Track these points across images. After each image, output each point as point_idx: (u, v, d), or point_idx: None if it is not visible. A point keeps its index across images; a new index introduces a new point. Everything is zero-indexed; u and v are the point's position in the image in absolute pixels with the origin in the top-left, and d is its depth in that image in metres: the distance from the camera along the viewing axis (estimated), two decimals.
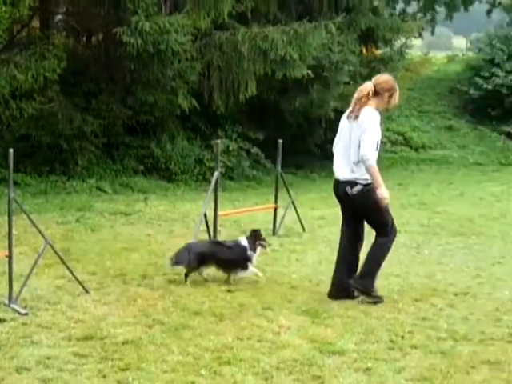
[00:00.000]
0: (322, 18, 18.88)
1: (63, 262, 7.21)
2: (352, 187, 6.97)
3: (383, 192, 6.86)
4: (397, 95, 7.22)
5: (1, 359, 5.29)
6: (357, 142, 6.87)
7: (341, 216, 7.41)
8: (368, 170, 6.79)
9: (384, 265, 8.58)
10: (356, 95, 7.09)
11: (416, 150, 24.88)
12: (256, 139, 18.95)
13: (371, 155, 6.78)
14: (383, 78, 7.30)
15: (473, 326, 6.40)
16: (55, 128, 15.21)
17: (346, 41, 19.43)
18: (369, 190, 6.92)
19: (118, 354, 5.45)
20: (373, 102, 7.02)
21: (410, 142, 25.23)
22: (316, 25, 17.45)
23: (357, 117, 6.95)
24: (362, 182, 6.93)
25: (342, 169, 7.06)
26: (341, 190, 7.07)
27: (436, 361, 5.50)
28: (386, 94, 7.10)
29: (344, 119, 7.24)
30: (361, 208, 7.10)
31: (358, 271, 7.21)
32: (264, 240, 7.98)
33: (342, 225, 7.44)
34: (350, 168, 6.96)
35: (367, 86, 7.05)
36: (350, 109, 7.12)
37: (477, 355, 5.64)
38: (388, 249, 7.32)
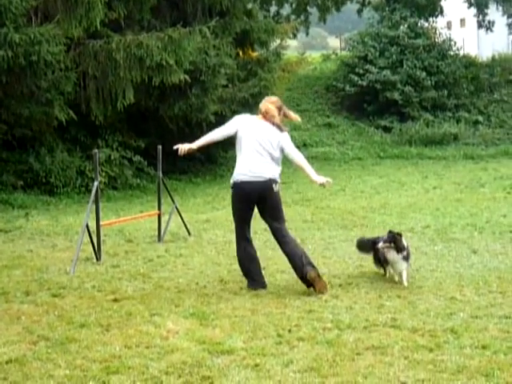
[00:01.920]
0: (196, 22, 18.99)
1: None
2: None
3: None
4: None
5: None
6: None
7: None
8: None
9: (269, 262, 8.76)
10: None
11: (298, 148, 25.15)
12: (138, 147, 18.82)
13: None
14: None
15: (357, 315, 6.56)
16: None
17: (221, 44, 19.61)
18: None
19: (2, 374, 5.29)
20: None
21: (292, 141, 25.56)
22: (190, 30, 17.51)
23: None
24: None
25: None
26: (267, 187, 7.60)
27: (322, 351, 5.60)
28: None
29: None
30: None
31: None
32: None
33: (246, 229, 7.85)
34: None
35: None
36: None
37: (361, 342, 5.78)
38: None
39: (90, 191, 16.20)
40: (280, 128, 7.78)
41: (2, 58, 14.03)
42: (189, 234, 10.87)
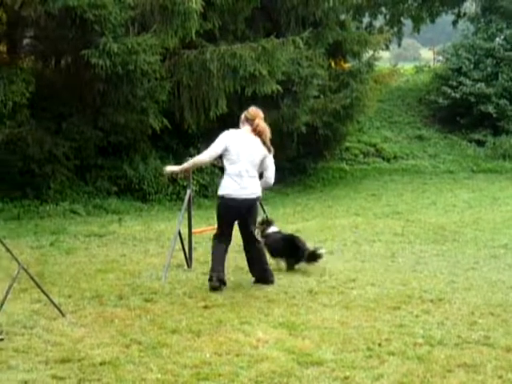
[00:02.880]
0: (289, 33, 19.06)
1: (38, 286, 7.17)
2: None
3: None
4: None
5: None
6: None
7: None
8: None
9: (359, 275, 8.70)
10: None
11: (388, 160, 25.06)
12: None
13: None
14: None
15: (448, 331, 6.46)
16: (26, 152, 15.16)
17: (314, 55, 19.62)
18: None
19: (96, 375, 5.42)
20: None
21: (382, 153, 25.42)
22: (284, 40, 17.61)
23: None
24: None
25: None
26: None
27: (413, 366, 5.53)
28: None
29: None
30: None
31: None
32: None
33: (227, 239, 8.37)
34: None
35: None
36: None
37: (453, 359, 5.69)
38: None
39: (181, 199, 16.50)
40: (269, 149, 8.12)
41: (101, 67, 14.42)
42: None
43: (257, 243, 8.40)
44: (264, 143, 8.02)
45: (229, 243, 8.35)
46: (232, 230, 8.34)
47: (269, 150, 8.09)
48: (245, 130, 8.21)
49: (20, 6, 14.39)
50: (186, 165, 8.55)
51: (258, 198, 8.17)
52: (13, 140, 14.97)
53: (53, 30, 15.89)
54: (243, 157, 8.04)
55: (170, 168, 8.74)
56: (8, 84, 14.31)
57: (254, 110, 8.24)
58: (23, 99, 14.50)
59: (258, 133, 8.05)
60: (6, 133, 14.63)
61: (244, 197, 8.01)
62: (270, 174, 8.22)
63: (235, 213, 8.14)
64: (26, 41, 17.56)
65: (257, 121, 8.10)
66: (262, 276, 8.29)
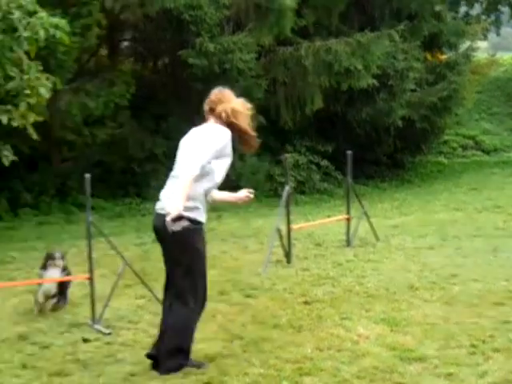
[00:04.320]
0: (384, 26, 18.89)
1: (143, 282, 7.38)
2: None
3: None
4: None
5: (88, 377, 5.44)
6: None
7: None
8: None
9: (460, 270, 8.57)
10: None
11: (488, 153, 24.52)
12: (325, 152, 18.99)
13: None
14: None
15: None
16: (127, 152, 15.58)
17: (409, 48, 19.39)
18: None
19: (200, 370, 5.54)
20: None
21: (482, 146, 24.89)
22: (379, 34, 17.49)
23: None
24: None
25: None
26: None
27: None
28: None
29: None
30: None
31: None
32: None
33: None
34: None
35: None
36: None
37: None
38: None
39: (278, 195, 16.60)
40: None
41: (198, 67, 14.68)
42: (377, 239, 10.83)
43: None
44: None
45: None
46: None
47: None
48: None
49: (119, 10, 14.78)
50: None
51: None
52: (114, 140, 15.41)
53: (151, 31, 16.30)
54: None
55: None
56: (109, 86, 14.74)
57: (216, 93, 5.80)
58: (124, 100, 14.90)
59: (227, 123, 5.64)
60: (109, 133, 15.07)
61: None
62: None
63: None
64: (125, 43, 18.05)
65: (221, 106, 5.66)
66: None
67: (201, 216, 5.56)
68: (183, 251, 5.42)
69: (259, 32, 15.78)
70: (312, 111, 17.20)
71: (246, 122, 5.66)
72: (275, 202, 16.04)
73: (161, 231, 5.32)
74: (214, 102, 5.73)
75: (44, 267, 7.29)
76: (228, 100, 5.69)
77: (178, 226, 4.99)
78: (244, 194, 6.04)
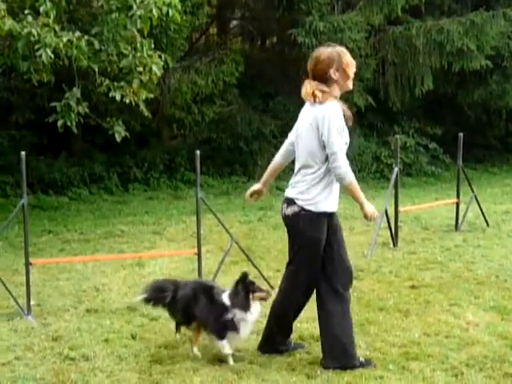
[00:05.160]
0: (499, 5, 18.26)
1: (249, 259, 7.43)
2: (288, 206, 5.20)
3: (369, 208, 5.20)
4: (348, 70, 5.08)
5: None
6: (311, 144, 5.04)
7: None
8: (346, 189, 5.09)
9: None
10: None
11: None
12: (434, 134, 18.62)
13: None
14: (314, 60, 5.03)
15: None
16: (235, 130, 15.72)
17: None
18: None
19: (305, 349, 5.54)
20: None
21: None
22: (494, 13, 16.95)
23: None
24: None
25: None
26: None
27: None
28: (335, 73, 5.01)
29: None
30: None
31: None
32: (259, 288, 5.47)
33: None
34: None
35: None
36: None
37: None
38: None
39: (384, 177, 16.43)
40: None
41: (307, 46, 14.59)
42: (487, 224, 10.55)
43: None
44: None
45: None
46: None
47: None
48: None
49: None
50: (265, 176, 5.80)
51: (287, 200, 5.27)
52: (223, 118, 15.56)
53: (260, 10, 16.31)
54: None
55: (252, 189, 5.77)
56: (219, 65, 14.87)
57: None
58: (233, 79, 15.02)
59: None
60: (217, 111, 15.22)
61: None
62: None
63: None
64: (234, 22, 18.14)
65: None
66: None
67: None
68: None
69: (369, 11, 15.56)
70: (422, 92, 16.85)
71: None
72: (382, 184, 15.90)
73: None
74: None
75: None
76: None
77: None
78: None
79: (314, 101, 4.94)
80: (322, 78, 4.97)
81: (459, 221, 10.37)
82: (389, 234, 9.24)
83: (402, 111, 18.04)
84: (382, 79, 17.18)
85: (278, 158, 5.58)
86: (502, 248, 9.13)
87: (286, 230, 5.36)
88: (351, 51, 15.68)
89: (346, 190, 5.06)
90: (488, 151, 20.17)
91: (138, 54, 9.59)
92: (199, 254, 7.05)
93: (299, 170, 5.16)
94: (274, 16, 15.93)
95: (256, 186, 5.74)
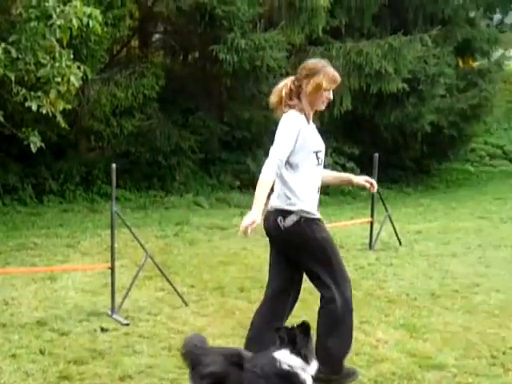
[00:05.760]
0: (417, 31, 18.78)
1: (163, 275, 7.38)
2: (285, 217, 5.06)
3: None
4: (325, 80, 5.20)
5: (105, 367, 5.44)
6: None
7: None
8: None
9: (483, 280, 8.48)
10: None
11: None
12: (351, 154, 18.91)
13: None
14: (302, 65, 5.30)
15: None
16: (154, 144, 15.62)
17: (441, 53, 19.26)
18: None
19: None
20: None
21: (510, 156, 24.65)
22: (411, 38, 17.41)
23: None
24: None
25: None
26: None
27: None
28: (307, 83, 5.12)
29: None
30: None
31: None
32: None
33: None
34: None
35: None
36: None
37: None
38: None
39: None
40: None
41: (228, 63, 14.67)
42: (400, 243, 10.76)
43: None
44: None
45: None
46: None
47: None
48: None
49: (153, 1, 14.81)
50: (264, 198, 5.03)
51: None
52: (142, 132, 15.45)
53: (182, 25, 16.28)
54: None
55: (250, 219, 4.85)
56: (139, 78, 14.78)
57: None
58: (153, 93, 14.94)
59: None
60: (136, 125, 15.11)
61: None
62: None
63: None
64: (156, 36, 18.08)
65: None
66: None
67: None
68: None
69: (291, 30, 15.73)
70: (340, 112, 17.11)
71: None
72: None
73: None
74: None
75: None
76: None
77: None
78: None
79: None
80: (297, 85, 5.12)
81: (373, 240, 10.55)
82: None
83: (321, 130, 18.13)
84: None
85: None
86: (414, 267, 9.33)
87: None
88: (272, 70, 15.85)
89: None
90: (403, 172, 20.61)
91: (57, 64, 9.43)
92: (112, 269, 6.97)
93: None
94: (196, 31, 15.94)
95: (254, 219, 4.87)
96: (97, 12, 9.36)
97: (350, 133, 19.41)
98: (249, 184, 17.11)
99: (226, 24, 14.90)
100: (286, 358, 4.29)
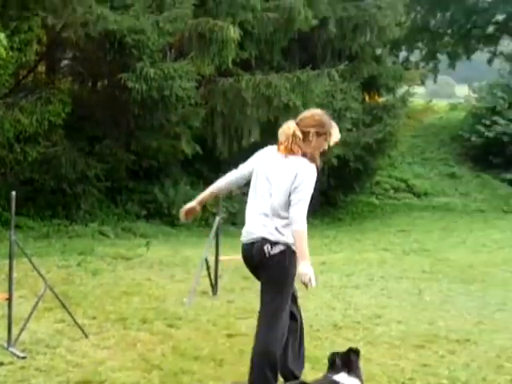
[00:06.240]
0: (325, 65, 19.15)
1: (63, 306, 7.19)
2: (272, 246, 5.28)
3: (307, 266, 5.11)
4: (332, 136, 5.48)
5: None
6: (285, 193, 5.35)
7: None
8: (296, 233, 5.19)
9: (385, 311, 8.63)
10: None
11: (419, 196, 24.93)
12: None
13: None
14: (308, 113, 5.53)
15: (474, 373, 6.34)
16: (59, 172, 15.33)
17: (348, 88, 19.68)
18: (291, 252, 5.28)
19: None
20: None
21: (413, 189, 25.30)
22: (319, 72, 17.72)
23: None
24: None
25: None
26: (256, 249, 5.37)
27: None
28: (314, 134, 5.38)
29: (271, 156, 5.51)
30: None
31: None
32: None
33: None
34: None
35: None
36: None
37: None
38: None
39: (209, 225, 16.50)
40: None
41: (137, 91, 14.59)
42: None
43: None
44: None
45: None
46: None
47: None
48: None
49: (61, 27, 14.62)
50: (202, 195, 5.88)
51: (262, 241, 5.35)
52: (46, 159, 15.15)
53: (91, 52, 16.13)
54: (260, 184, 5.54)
55: (187, 206, 5.82)
56: (45, 104, 14.52)
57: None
58: (59, 119, 14.70)
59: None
60: (41, 151, 14.81)
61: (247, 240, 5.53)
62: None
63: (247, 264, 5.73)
64: (64, 62, 17.84)
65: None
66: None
67: None
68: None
69: (201, 61, 15.79)
70: (249, 143, 17.23)
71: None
72: (206, 232, 15.90)
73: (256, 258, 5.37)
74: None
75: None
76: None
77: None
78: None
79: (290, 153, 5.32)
80: (304, 131, 5.32)
81: None
82: (208, 282, 9.27)
83: (230, 161, 18.30)
84: (211, 128, 17.43)
85: (223, 183, 5.75)
86: (318, 298, 9.38)
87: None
88: (181, 99, 15.86)
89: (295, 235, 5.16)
90: (310, 203, 20.75)
91: None
92: (10, 299, 6.74)
93: (267, 214, 5.34)
94: (105, 59, 15.81)
95: (191, 204, 5.80)
96: (2, 36, 9.20)
97: None
98: (155, 214, 17.02)
99: (135, 52, 14.85)
100: (345, 380, 4.74)
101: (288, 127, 5.35)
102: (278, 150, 5.41)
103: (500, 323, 8.39)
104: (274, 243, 5.25)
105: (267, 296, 5.41)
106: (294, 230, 5.17)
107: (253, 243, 5.34)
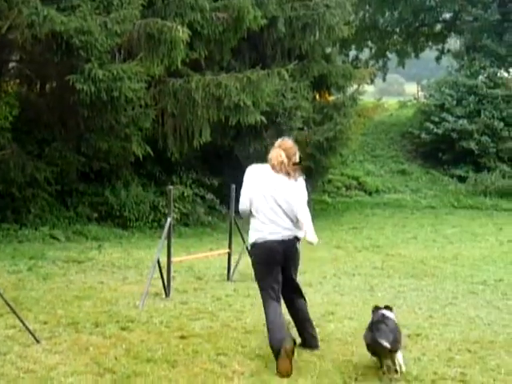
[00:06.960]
0: (275, 65, 19.19)
1: (13, 312, 7.09)
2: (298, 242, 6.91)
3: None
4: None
5: None
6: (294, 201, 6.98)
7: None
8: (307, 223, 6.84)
9: (337, 308, 8.70)
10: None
11: (370, 194, 25.19)
12: (211, 185, 19.01)
13: None
14: (288, 144, 7.15)
15: (425, 367, 6.43)
16: (7, 176, 15.08)
17: (299, 87, 19.74)
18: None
19: None
20: None
21: (364, 186, 25.55)
22: (269, 72, 17.72)
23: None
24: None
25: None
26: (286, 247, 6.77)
27: None
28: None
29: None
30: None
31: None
32: None
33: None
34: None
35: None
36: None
37: None
38: None
39: (162, 226, 16.42)
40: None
41: (86, 93, 14.40)
42: None
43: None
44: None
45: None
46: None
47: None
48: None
49: (7, 29, 14.39)
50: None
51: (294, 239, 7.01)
52: None
53: (39, 54, 15.89)
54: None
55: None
56: None
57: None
58: (6, 123, 14.49)
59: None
60: None
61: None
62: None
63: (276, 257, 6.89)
64: (11, 64, 17.56)
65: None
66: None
67: None
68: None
69: (150, 62, 15.65)
70: (200, 144, 17.20)
71: None
72: (159, 233, 15.88)
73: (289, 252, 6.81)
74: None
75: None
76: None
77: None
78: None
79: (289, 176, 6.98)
80: (292, 158, 7.06)
81: (231, 271, 10.59)
82: (161, 284, 9.23)
83: (181, 162, 18.29)
84: (161, 129, 17.35)
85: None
86: None
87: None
88: (130, 101, 15.70)
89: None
90: None
91: None
92: None
93: (289, 218, 6.88)
94: (52, 60, 15.59)
95: None
96: None
97: (210, 164, 19.53)
98: (107, 216, 16.86)
99: (83, 54, 14.64)
100: (387, 313, 6.55)
101: (279, 155, 6.95)
102: (273, 170, 6.95)
103: (450, 317, 8.53)
104: (298, 239, 6.84)
105: (294, 275, 6.94)
106: (307, 222, 6.79)
107: (283, 241, 6.72)
